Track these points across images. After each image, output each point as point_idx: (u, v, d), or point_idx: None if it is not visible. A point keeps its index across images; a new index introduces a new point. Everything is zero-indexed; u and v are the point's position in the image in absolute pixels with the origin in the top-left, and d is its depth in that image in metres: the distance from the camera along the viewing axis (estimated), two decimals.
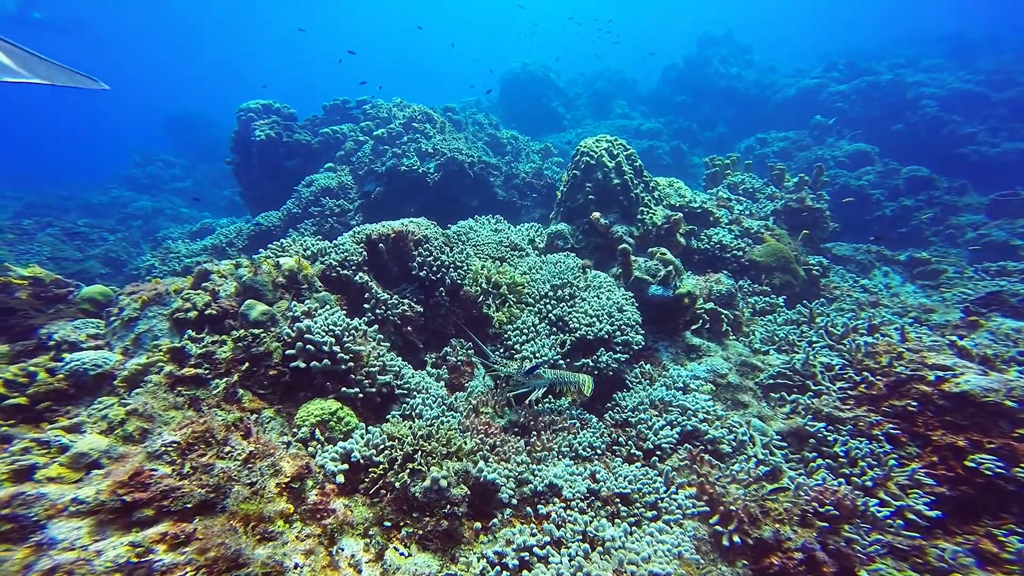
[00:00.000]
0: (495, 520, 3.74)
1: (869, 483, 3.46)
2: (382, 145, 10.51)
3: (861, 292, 7.34)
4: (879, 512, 3.20)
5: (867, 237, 13.23)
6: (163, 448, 2.78)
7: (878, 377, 4.06)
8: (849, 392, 4.15)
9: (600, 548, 2.97)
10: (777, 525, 2.92)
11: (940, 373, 3.82)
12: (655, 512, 3.33)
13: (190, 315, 4.14)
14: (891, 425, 3.81)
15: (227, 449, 2.97)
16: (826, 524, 3.03)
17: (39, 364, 3.90)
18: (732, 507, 3.08)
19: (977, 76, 22.99)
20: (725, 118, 24.95)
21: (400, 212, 10.39)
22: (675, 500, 3.42)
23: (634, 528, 3.21)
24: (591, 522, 3.27)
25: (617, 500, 3.48)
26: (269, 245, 5.33)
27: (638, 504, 3.41)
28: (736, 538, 2.99)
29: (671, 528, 3.15)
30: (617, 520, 3.36)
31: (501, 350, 5.47)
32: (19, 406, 3.58)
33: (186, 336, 4.02)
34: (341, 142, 12.50)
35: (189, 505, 2.58)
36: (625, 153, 6.86)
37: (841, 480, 3.51)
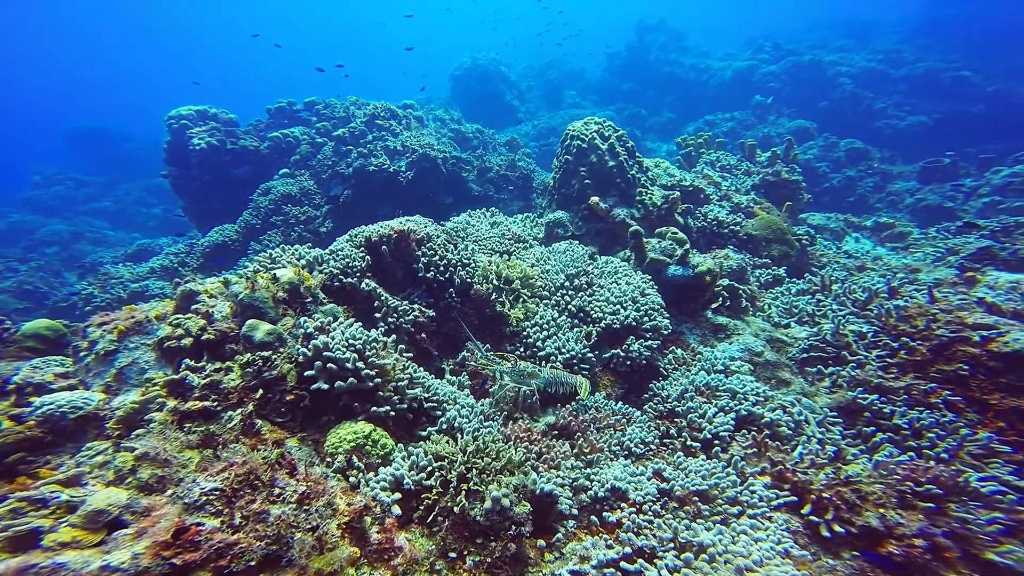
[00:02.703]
0: (558, 535, 3.45)
1: (944, 455, 3.32)
2: (344, 145, 9.87)
3: (846, 258, 7.55)
4: (983, 487, 2.95)
5: (818, 208, 13.89)
6: (203, 497, 2.32)
7: (918, 342, 4.01)
8: (889, 360, 4.08)
9: (704, 555, 2.72)
10: (881, 510, 2.76)
11: (984, 333, 3.77)
12: (739, 508, 3.13)
13: (184, 343, 3.58)
14: (948, 392, 3.72)
15: (276, 491, 2.52)
16: (931, 504, 2.84)
17: (1, 411, 3.24)
18: (825, 494, 2.90)
19: (876, 55, 24.78)
20: (668, 103, 25.57)
21: (373, 214, 9.80)
22: (755, 492, 3.23)
23: (723, 528, 2.99)
24: (680, 526, 3.02)
25: (695, 499, 3.25)
26: (255, 257, 4.76)
27: (719, 501, 3.19)
28: (838, 527, 2.81)
29: (763, 523, 2.95)
30: (700, 520, 3.14)
31: (521, 349, 5.16)
32: None
33: (183, 366, 3.46)
34: (294, 146, 11.68)
35: (252, 563, 2.14)
36: (616, 134, 6.69)
37: (911, 454, 3.37)
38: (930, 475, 2.84)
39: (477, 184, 10.60)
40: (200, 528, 2.17)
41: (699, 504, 3.20)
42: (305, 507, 2.54)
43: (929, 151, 18.13)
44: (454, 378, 4.95)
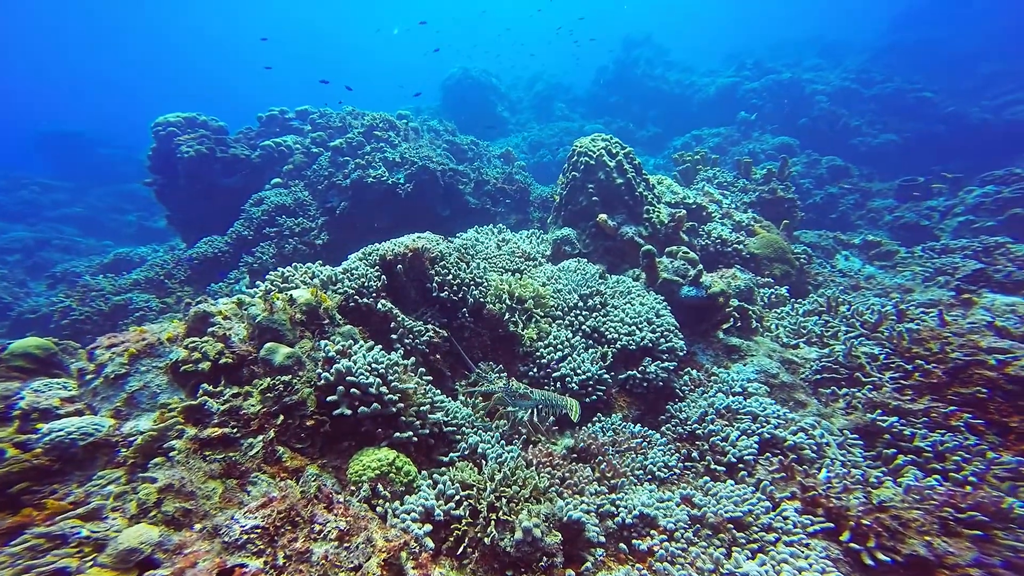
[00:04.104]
0: (587, 564, 3.40)
1: (973, 479, 3.29)
2: (342, 156, 9.73)
3: (840, 276, 7.72)
4: None
5: (802, 225, 14.28)
6: (244, 536, 2.21)
7: (933, 365, 4.09)
8: (903, 382, 4.15)
9: None
10: (927, 538, 2.76)
11: (1000, 356, 3.85)
12: (775, 535, 3.11)
13: (201, 367, 3.44)
14: (969, 414, 3.76)
15: (317, 528, 2.42)
16: (978, 532, 2.80)
17: (4, 439, 3.05)
18: (864, 520, 2.91)
19: (849, 74, 25.73)
20: (652, 117, 26.03)
21: (369, 227, 9.68)
22: (788, 518, 3.22)
23: (765, 557, 2.97)
24: (719, 555, 2.99)
25: (730, 526, 3.23)
26: (267, 275, 4.62)
27: (754, 528, 3.18)
28: (882, 555, 2.80)
29: (802, 551, 2.94)
30: (736, 549, 3.12)
31: (535, 370, 5.12)
32: None
33: (202, 391, 3.32)
34: (287, 155, 11.47)
35: None
36: (624, 151, 6.74)
37: (936, 477, 3.38)
38: (971, 501, 2.85)
39: (474, 197, 10.56)
40: (244, 570, 2.07)
41: (734, 532, 3.18)
42: (346, 544, 2.45)
43: (900, 168, 18.85)
44: (468, 400, 4.88)
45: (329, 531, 2.45)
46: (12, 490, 2.87)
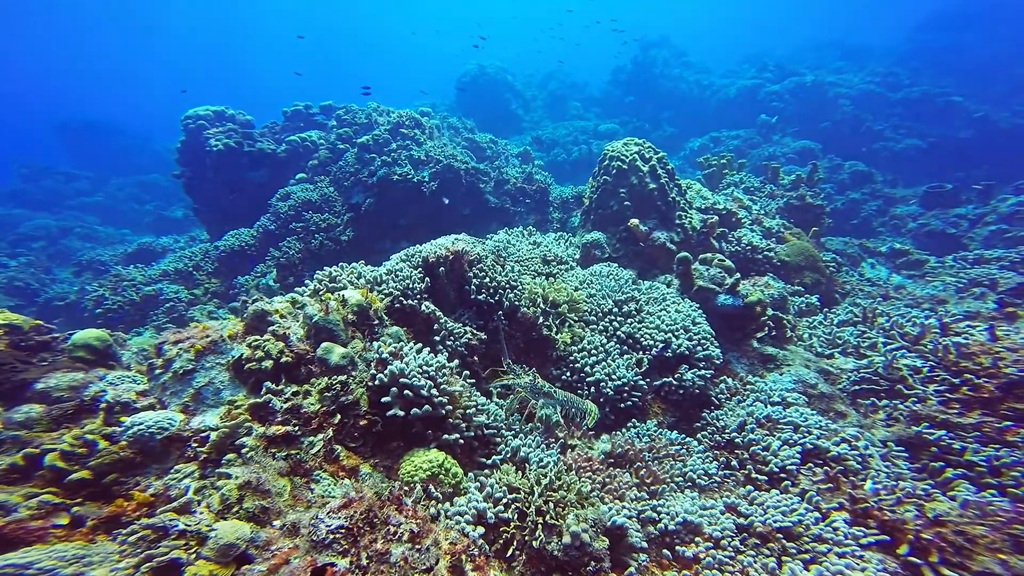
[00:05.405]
0: (630, 569, 3.46)
1: None
2: (368, 153, 9.81)
3: (869, 286, 7.71)
4: None
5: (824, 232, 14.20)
6: (330, 535, 2.30)
7: (984, 379, 4.08)
8: (949, 396, 4.17)
9: None
10: (1001, 555, 2.75)
11: None
12: (827, 546, 3.16)
13: (264, 364, 3.54)
14: None
15: (391, 529, 2.51)
16: None
17: (95, 431, 3.19)
18: (924, 535, 2.93)
19: (874, 78, 25.39)
20: (667, 118, 25.90)
21: (393, 225, 9.78)
22: (838, 529, 3.27)
23: (820, 568, 3.01)
24: (771, 564, 3.04)
25: (779, 536, 3.29)
26: (315, 275, 4.71)
27: (805, 538, 3.23)
28: (947, 571, 2.77)
29: (858, 563, 2.99)
30: (787, 559, 3.17)
31: (568, 374, 5.18)
32: (83, 481, 2.90)
33: (266, 389, 3.42)
34: (311, 150, 11.58)
35: None
36: (656, 156, 6.77)
37: (992, 492, 3.35)
38: None
39: (494, 196, 10.61)
40: (335, 570, 2.16)
41: (783, 541, 3.24)
42: (417, 546, 2.54)
43: (924, 174, 18.64)
44: (502, 401, 4.95)
45: (402, 533, 2.54)
46: (105, 480, 3.01)
